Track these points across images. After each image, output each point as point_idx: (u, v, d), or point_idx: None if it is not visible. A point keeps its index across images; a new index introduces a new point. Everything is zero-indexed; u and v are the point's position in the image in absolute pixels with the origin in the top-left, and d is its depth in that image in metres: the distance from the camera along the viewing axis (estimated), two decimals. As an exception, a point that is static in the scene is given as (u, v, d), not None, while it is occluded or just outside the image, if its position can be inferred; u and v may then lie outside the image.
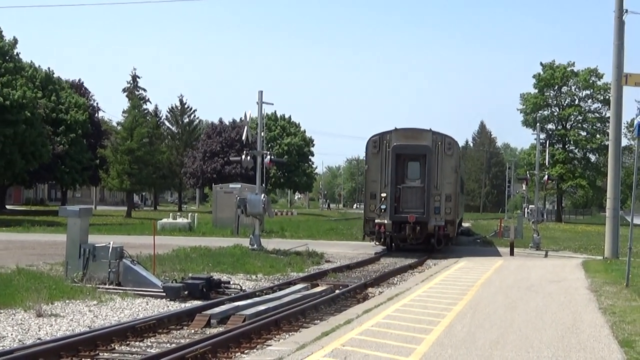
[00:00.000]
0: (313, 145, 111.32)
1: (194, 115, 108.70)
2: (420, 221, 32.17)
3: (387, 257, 31.31)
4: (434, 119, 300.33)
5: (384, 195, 32.33)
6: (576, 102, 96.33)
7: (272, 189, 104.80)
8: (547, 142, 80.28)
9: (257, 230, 30.98)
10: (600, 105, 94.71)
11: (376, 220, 32.38)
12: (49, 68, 77.01)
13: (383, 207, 32.26)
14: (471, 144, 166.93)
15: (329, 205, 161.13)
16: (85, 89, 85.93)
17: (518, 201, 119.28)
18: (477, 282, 20.44)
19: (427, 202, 32.23)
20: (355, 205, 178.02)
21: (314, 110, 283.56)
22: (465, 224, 56.90)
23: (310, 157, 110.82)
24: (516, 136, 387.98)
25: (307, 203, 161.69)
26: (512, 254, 33.04)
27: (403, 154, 32.85)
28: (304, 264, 27.20)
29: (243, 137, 32.32)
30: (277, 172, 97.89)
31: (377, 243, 34.75)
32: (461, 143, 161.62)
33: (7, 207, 76.43)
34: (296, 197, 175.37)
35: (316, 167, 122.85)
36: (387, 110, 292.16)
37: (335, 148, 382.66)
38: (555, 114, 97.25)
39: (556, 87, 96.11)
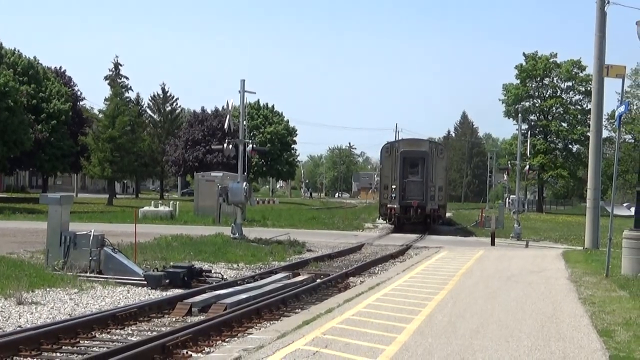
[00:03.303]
0: (296, 134, 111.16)
1: (176, 104, 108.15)
2: (420, 205, 41.46)
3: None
4: (416, 109, 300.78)
5: (394, 186, 41.57)
6: (558, 93, 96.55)
7: (254, 178, 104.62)
8: (529, 132, 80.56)
9: (238, 219, 30.82)
10: (582, 96, 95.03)
11: (388, 205, 41.93)
12: (35, 57, 76.32)
13: (393, 195, 41.53)
14: (453, 134, 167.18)
15: (311, 194, 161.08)
16: (67, 76, 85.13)
17: (499, 191, 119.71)
18: (458, 271, 20.52)
19: (425, 191, 41.52)
20: (337, 194, 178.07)
21: (297, 100, 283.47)
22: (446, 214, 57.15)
23: (292, 145, 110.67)
24: (498, 126, 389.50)
25: (289, 192, 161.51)
26: (493, 244, 33.19)
27: (408, 157, 42.17)
28: (285, 253, 27.20)
29: (225, 126, 32.13)
30: (259, 161, 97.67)
31: (388, 222, 44.11)
32: (443, 133, 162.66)
33: (-13, 194, 75.87)
34: (278, 186, 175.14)
35: (298, 155, 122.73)
36: (370, 100, 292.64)
37: (317, 137, 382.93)
38: (537, 105, 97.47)
39: (538, 78, 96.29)
